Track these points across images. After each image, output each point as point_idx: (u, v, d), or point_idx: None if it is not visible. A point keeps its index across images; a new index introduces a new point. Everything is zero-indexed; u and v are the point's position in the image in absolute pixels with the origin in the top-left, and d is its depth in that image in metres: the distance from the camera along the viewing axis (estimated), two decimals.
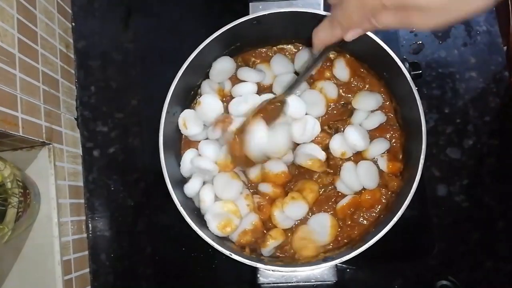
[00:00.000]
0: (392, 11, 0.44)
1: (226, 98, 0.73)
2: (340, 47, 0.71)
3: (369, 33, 0.65)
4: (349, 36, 0.50)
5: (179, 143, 0.73)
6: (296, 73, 0.73)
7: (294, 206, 0.67)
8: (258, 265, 0.62)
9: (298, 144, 0.70)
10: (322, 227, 0.68)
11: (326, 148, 0.70)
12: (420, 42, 0.80)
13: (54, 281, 0.68)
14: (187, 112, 0.71)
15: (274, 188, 0.69)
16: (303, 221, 0.69)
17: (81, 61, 0.83)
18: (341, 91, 0.73)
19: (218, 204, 0.67)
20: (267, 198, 0.69)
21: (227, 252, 0.62)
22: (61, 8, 0.81)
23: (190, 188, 0.68)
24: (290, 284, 0.67)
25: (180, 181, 0.69)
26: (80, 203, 0.78)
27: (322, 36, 0.54)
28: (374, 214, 0.70)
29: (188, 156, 0.71)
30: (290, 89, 0.66)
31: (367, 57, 0.72)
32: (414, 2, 0.42)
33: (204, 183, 0.69)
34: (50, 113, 0.73)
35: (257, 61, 0.76)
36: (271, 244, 0.67)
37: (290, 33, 0.72)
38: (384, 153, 0.69)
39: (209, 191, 0.68)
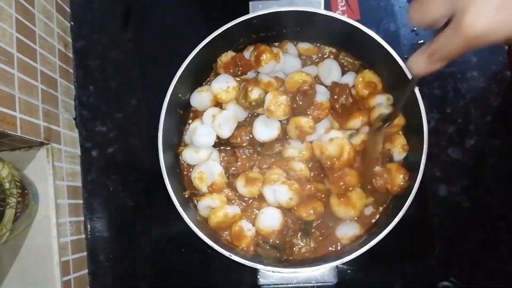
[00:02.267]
0: None
1: None
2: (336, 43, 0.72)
3: (371, 33, 0.65)
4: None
5: (178, 143, 0.73)
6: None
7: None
8: (258, 266, 0.62)
9: None
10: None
11: None
12: (422, 41, 0.79)
13: (53, 282, 0.68)
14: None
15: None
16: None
17: (80, 61, 0.82)
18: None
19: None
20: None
21: (226, 253, 0.62)
22: (59, 7, 0.80)
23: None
24: (290, 285, 0.67)
25: (179, 182, 0.69)
26: (79, 203, 0.78)
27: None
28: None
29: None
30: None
31: (367, 57, 0.71)
32: None
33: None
34: (49, 113, 0.72)
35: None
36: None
37: (291, 32, 0.72)
38: None
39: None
